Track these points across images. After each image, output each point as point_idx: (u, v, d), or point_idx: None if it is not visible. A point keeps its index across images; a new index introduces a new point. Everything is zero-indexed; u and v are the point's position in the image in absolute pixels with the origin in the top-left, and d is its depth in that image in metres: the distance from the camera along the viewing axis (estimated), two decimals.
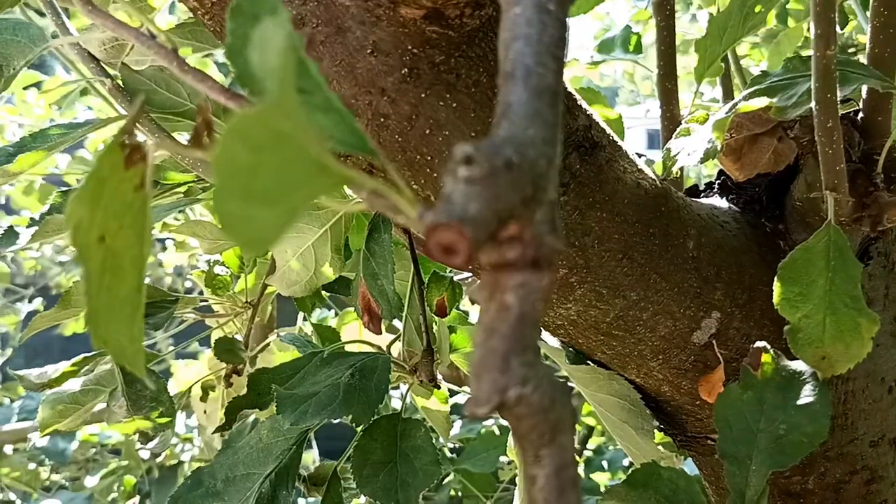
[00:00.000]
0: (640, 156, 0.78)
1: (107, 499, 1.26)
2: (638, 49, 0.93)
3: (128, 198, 0.23)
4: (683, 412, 0.55)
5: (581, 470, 1.24)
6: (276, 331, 0.78)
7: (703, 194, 0.59)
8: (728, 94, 0.90)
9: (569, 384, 0.25)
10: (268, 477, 0.51)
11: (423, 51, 0.38)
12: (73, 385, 0.59)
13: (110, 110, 0.70)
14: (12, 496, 1.26)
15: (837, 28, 0.40)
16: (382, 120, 0.40)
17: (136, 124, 0.58)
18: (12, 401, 1.45)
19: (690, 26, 1.97)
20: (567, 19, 0.25)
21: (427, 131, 0.41)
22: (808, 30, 1.01)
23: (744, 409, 0.41)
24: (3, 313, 1.79)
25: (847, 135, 0.50)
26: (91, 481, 1.31)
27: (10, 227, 0.51)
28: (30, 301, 2.00)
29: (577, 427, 1.28)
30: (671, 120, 0.76)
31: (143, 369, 0.25)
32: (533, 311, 0.23)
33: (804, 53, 0.52)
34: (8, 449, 1.30)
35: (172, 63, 0.30)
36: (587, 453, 1.27)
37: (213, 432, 0.57)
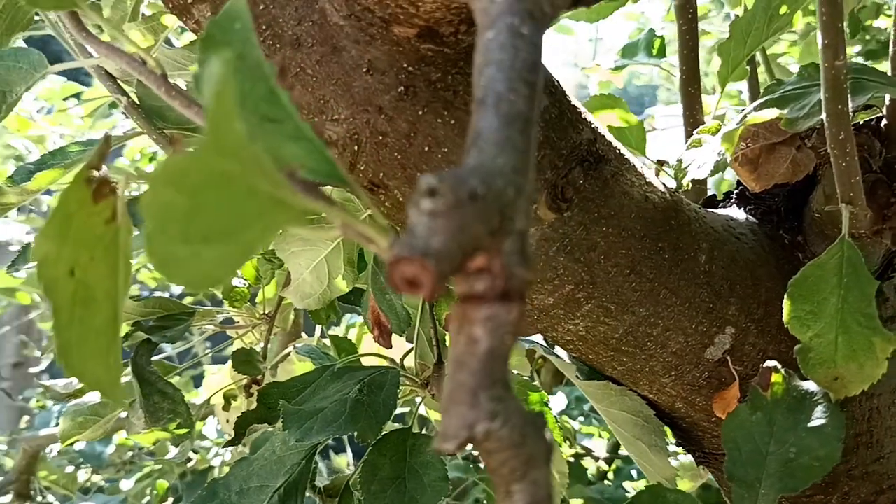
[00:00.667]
0: (661, 164, 0.76)
1: (141, 502, 1.28)
2: (662, 53, 0.91)
3: (98, 231, 0.23)
4: (699, 429, 0.54)
5: (610, 478, 1.23)
6: (294, 342, 0.78)
7: (721, 204, 0.58)
8: (755, 97, 0.88)
9: (542, 419, 0.24)
10: (277, 491, 0.52)
11: (419, 68, 0.38)
12: (94, 397, 0.60)
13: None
14: (51, 498, 1.30)
15: (846, 34, 0.38)
16: (381, 138, 0.40)
17: (152, 139, 0.59)
18: (54, 405, 1.48)
19: (724, 24, 1.93)
20: (542, 43, 0.25)
21: (426, 148, 0.40)
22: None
23: (753, 430, 0.39)
24: (46, 318, 1.83)
25: (868, 143, 0.48)
26: (126, 484, 1.34)
27: (27, 245, 0.52)
28: None
29: (606, 435, 1.27)
30: (694, 125, 0.74)
31: (120, 398, 0.25)
32: (502, 345, 0.22)
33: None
34: (53, 451, 1.34)
35: (161, 88, 0.31)
36: (617, 462, 1.25)
37: (224, 447, 0.58)
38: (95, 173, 0.22)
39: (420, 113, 0.39)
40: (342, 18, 0.37)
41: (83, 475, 1.51)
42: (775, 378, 0.40)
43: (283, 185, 0.20)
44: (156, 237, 0.16)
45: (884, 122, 0.50)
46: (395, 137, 0.40)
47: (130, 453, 1.55)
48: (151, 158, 1.68)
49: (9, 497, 1.20)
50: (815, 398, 0.39)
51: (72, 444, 0.60)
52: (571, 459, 1.18)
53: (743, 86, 1.18)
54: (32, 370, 2.54)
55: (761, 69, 0.98)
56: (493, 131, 0.23)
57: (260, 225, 0.19)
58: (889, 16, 1.11)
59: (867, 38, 0.86)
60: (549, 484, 0.23)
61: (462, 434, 0.22)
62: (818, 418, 0.38)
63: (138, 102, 0.60)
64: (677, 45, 0.80)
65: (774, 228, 0.53)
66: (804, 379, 0.40)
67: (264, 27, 0.38)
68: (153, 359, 0.62)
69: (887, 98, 0.50)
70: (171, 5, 0.39)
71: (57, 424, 1.44)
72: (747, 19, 0.72)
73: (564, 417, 1.19)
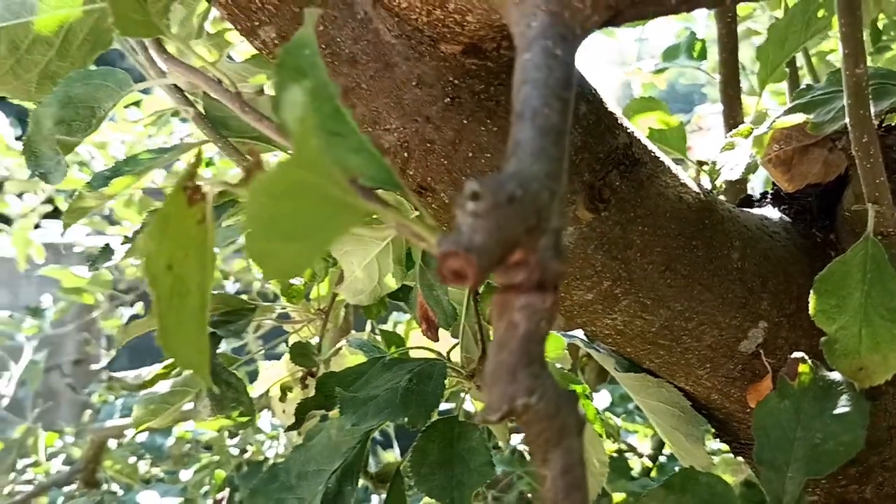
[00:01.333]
0: (701, 164, 0.78)
1: (199, 491, 1.34)
2: (703, 55, 0.93)
3: (191, 231, 0.27)
4: (735, 419, 0.56)
5: (654, 475, 1.24)
6: (345, 337, 0.82)
7: (756, 204, 0.60)
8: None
9: (574, 394, 0.27)
10: (334, 473, 0.55)
11: (464, 81, 0.42)
12: (164, 387, 0.65)
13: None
14: (115, 487, 1.36)
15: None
16: (429, 145, 0.43)
17: (217, 146, 0.63)
18: (116, 398, 1.56)
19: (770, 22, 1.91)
20: (574, 62, 0.28)
21: (470, 154, 0.44)
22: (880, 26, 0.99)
23: (781, 417, 0.42)
24: (107, 317, 1.92)
25: (893, 146, 0.50)
26: (185, 475, 1.40)
27: (107, 245, 0.57)
28: (131, 305, 2.14)
29: (650, 432, 1.28)
30: (734, 126, 0.76)
31: (209, 376, 0.29)
32: (538, 329, 0.26)
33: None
34: (111, 443, 1.41)
35: (234, 104, 0.35)
36: (661, 459, 1.27)
37: (286, 431, 0.62)
38: (190, 183, 0.26)
39: (465, 122, 0.43)
40: (394, 38, 0.40)
41: (143, 466, 1.58)
42: (802, 368, 0.42)
43: (350, 192, 0.23)
44: (253, 236, 0.19)
45: None
46: (442, 144, 0.43)
47: (188, 446, 1.62)
48: (208, 164, 1.74)
49: (76, 485, 1.28)
50: (840, 387, 0.41)
51: (139, 432, 0.64)
52: (615, 455, 1.20)
53: (780, 87, 1.18)
54: (94, 367, 2.65)
55: (804, 69, 0.99)
56: (529, 142, 0.26)
57: (332, 226, 0.23)
58: None
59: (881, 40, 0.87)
60: (581, 451, 0.26)
61: (503, 407, 0.25)
62: (843, 406, 0.40)
63: (204, 113, 0.65)
64: (717, 48, 0.82)
65: (807, 227, 0.55)
66: (830, 370, 0.43)
67: (323, 46, 0.42)
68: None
69: None
70: (239, 27, 0.43)
71: (121, 416, 1.51)
72: (785, 23, 0.74)
73: (608, 414, 1.21)
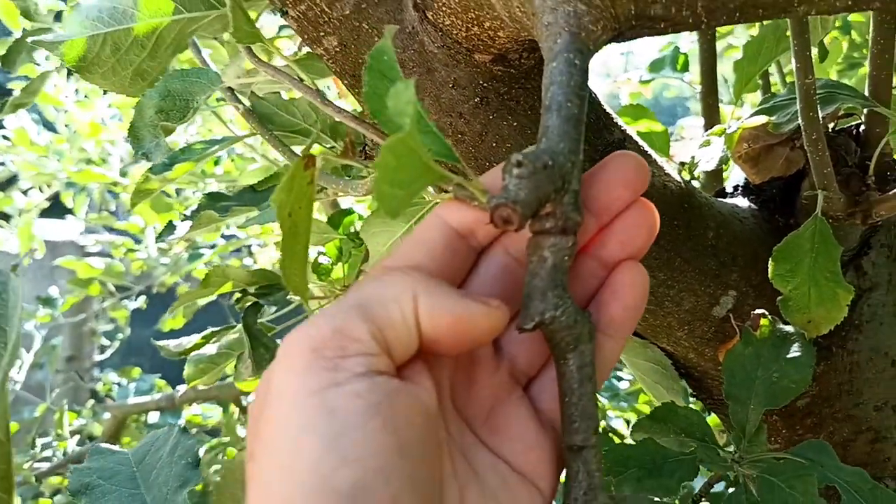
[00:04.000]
0: (683, 165, 0.88)
1: (210, 469, 1.42)
2: (685, 68, 1.03)
3: (304, 189, 0.36)
4: (709, 377, 0.65)
5: None
6: None
7: (729, 195, 0.70)
8: None
9: (588, 313, 0.36)
10: None
11: (491, 84, 0.51)
12: (211, 349, 0.74)
13: (224, 129, 0.86)
14: None
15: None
16: (460, 136, 0.53)
17: (265, 138, 0.72)
18: (129, 382, 1.64)
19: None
20: (588, 69, 0.37)
21: (494, 144, 0.53)
22: (846, 47, 1.09)
23: (745, 361, 0.51)
24: (115, 308, 1.99)
25: (845, 145, 0.60)
26: None
27: (170, 222, 0.66)
28: (135, 298, 2.22)
29: (633, 417, 1.38)
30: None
31: (308, 299, 0.38)
32: (563, 262, 0.35)
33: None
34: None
35: (317, 99, 0.44)
36: None
37: None
38: (307, 152, 0.35)
39: (491, 117, 0.52)
40: (436, 48, 0.50)
41: None
42: (763, 322, 0.52)
43: (431, 159, 0.32)
44: (380, 181, 0.28)
45: (862, 127, 0.62)
46: (471, 136, 0.53)
47: (196, 430, 1.69)
48: (217, 162, 1.82)
49: None
50: (793, 337, 0.51)
51: (191, 387, 0.73)
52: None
53: (758, 97, 1.28)
54: (88, 363, 2.71)
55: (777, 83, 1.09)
56: (556, 127, 0.36)
57: (420, 180, 0.32)
58: None
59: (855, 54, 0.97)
60: (593, 354, 0.36)
61: (537, 318, 0.35)
62: (795, 352, 0.50)
63: (252, 109, 0.74)
64: (699, 61, 0.92)
65: (771, 214, 0.65)
66: (786, 323, 0.52)
67: None
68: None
69: (865, 110, 0.61)
70: (305, 36, 0.52)
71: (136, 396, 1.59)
72: (758, 41, 0.84)
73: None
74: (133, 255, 2.02)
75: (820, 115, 0.50)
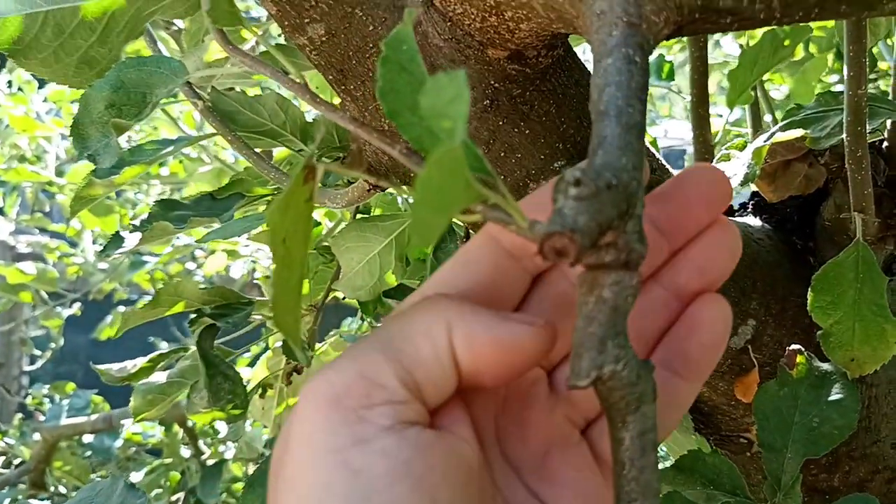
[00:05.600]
0: None
1: (151, 493, 1.31)
2: (671, 76, 0.99)
3: (301, 207, 0.28)
4: (719, 412, 0.60)
5: None
6: (335, 330, 0.84)
7: (737, 213, 0.65)
8: (756, 118, 0.96)
9: (651, 365, 0.30)
10: None
11: (504, 85, 0.44)
12: (160, 377, 0.65)
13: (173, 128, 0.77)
14: (62, 489, 1.33)
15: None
16: None
17: (226, 139, 0.64)
18: (61, 399, 1.52)
19: (712, 50, 2.02)
20: (649, 69, 0.31)
21: (502, 154, 0.46)
22: (832, 61, 1.07)
23: (780, 403, 0.46)
24: (48, 316, 1.86)
25: (874, 162, 0.55)
26: (136, 477, 1.37)
27: (117, 233, 0.57)
28: (70, 305, 2.08)
29: None
30: (703, 143, 0.82)
31: (300, 343, 0.31)
32: (625, 304, 0.29)
33: (833, 88, 0.57)
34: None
35: (305, 96, 0.36)
36: None
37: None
38: (308, 162, 0.27)
39: (500, 123, 0.45)
40: (442, 41, 0.43)
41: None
42: (799, 359, 0.46)
43: (472, 178, 0.25)
44: (420, 205, 0.21)
45: (885, 143, 0.58)
46: (477, 144, 0.46)
47: (134, 449, 1.58)
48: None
49: (24, 486, 1.23)
50: (834, 377, 0.46)
51: (137, 422, 0.64)
52: None
53: (724, 109, 1.25)
54: (17, 372, 2.54)
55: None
56: (616, 137, 0.29)
57: (461, 202, 0.25)
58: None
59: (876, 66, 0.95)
60: (655, 416, 0.29)
61: (593, 373, 0.28)
62: (837, 393, 0.45)
63: (212, 106, 0.65)
64: (689, 70, 0.87)
65: (788, 235, 0.60)
66: (824, 360, 0.47)
67: (371, 45, 0.44)
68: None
69: (889, 122, 0.57)
70: (287, 23, 0.45)
71: (69, 417, 1.47)
72: (755, 49, 0.80)
73: None
74: (69, 260, 1.88)
75: (867, 130, 0.45)
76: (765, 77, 1.67)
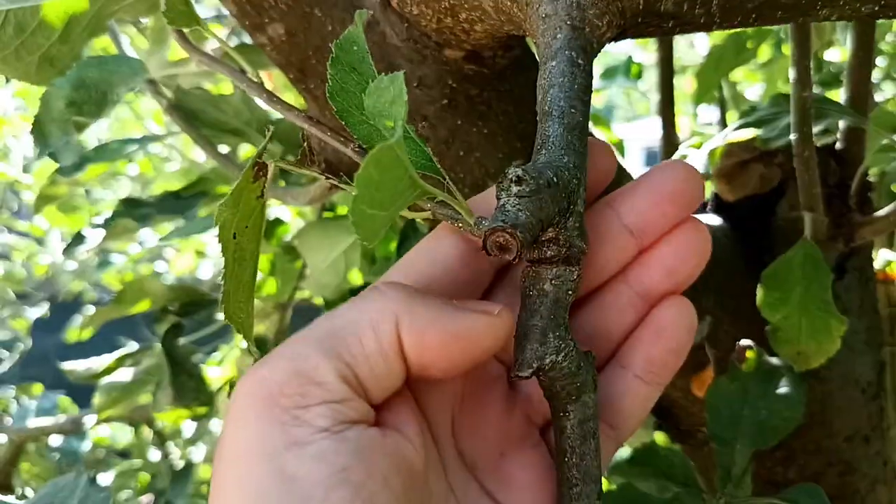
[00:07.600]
0: None
1: (120, 496, 1.30)
2: (639, 76, 1.00)
3: (252, 204, 0.29)
4: (677, 407, 0.61)
5: None
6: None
7: (696, 212, 0.66)
8: (724, 116, 0.98)
9: (592, 356, 0.31)
10: None
11: (461, 85, 0.45)
12: (125, 375, 0.65)
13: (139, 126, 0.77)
14: (29, 492, 1.31)
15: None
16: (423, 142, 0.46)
17: (191, 137, 0.64)
18: (29, 399, 1.50)
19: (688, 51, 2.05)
20: (592, 70, 0.32)
21: (461, 153, 0.47)
22: None
23: (731, 397, 0.47)
24: (15, 317, 1.84)
25: (825, 164, 0.57)
26: (105, 479, 1.36)
27: (79, 233, 0.57)
28: (38, 304, 2.05)
29: None
30: (669, 142, 0.83)
31: (253, 339, 0.31)
32: (566, 297, 0.30)
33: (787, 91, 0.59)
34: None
35: (262, 96, 0.37)
36: None
37: None
38: (258, 159, 0.28)
39: (458, 122, 0.46)
40: (400, 41, 0.43)
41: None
42: (749, 354, 0.47)
43: (416, 174, 0.26)
44: (359, 200, 0.22)
45: (838, 145, 0.59)
46: (435, 143, 0.47)
47: (104, 451, 1.57)
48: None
49: None
50: (782, 370, 0.47)
51: (101, 421, 0.64)
52: None
53: (701, 109, 1.27)
54: None
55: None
56: (558, 137, 0.30)
57: (404, 198, 0.26)
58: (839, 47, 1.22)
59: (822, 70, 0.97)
60: (596, 406, 0.30)
61: (535, 364, 0.29)
62: (784, 386, 0.46)
63: (177, 105, 0.65)
64: (657, 72, 0.89)
65: (744, 234, 0.61)
66: (772, 355, 0.48)
67: (329, 45, 0.44)
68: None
69: (842, 125, 0.58)
70: (247, 22, 0.45)
71: (37, 417, 1.45)
72: (719, 51, 0.81)
73: None
74: (36, 260, 1.86)
75: (813, 131, 0.46)
76: (739, 77, 1.70)
